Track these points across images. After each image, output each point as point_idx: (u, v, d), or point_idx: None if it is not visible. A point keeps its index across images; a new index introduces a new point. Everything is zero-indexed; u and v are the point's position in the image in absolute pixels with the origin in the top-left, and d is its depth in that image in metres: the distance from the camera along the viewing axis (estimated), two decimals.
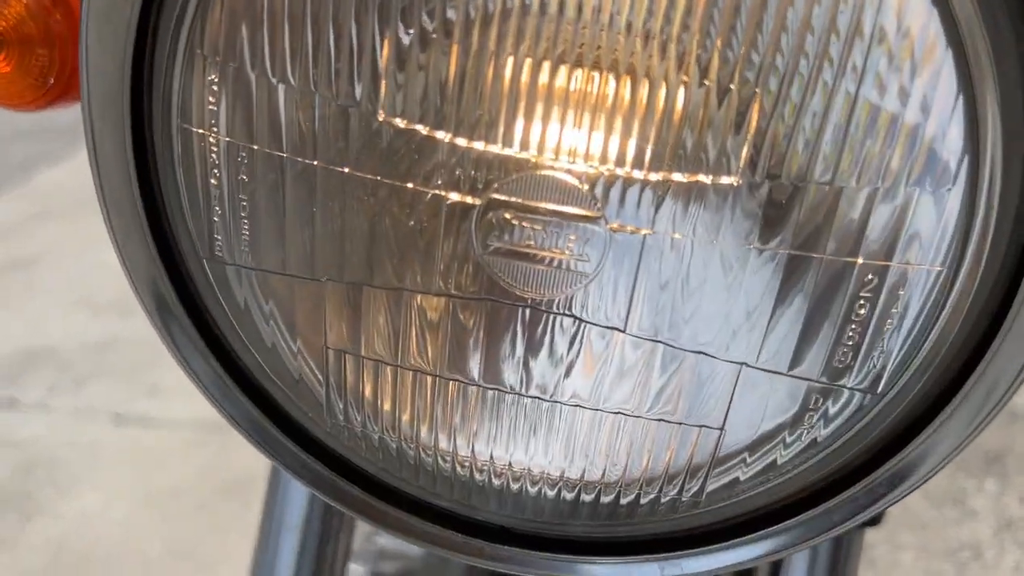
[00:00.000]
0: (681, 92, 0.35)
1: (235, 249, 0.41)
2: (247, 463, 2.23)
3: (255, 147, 0.39)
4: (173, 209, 0.42)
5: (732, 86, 0.35)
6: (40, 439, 2.54)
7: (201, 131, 0.39)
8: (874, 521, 0.64)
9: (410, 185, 0.38)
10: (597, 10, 0.34)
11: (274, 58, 0.37)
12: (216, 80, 0.38)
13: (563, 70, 0.36)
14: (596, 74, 0.35)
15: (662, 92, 0.35)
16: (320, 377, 0.44)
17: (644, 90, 0.35)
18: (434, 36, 0.35)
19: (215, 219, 0.41)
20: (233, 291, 0.43)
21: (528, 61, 0.36)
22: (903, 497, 0.43)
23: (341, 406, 0.44)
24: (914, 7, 0.33)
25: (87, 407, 2.66)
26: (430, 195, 0.38)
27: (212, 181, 0.40)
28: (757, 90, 0.35)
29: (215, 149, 0.39)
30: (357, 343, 0.42)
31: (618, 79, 0.35)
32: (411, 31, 0.35)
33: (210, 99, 0.39)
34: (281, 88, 0.37)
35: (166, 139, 0.41)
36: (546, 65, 0.36)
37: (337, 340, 0.42)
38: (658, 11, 0.34)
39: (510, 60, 0.36)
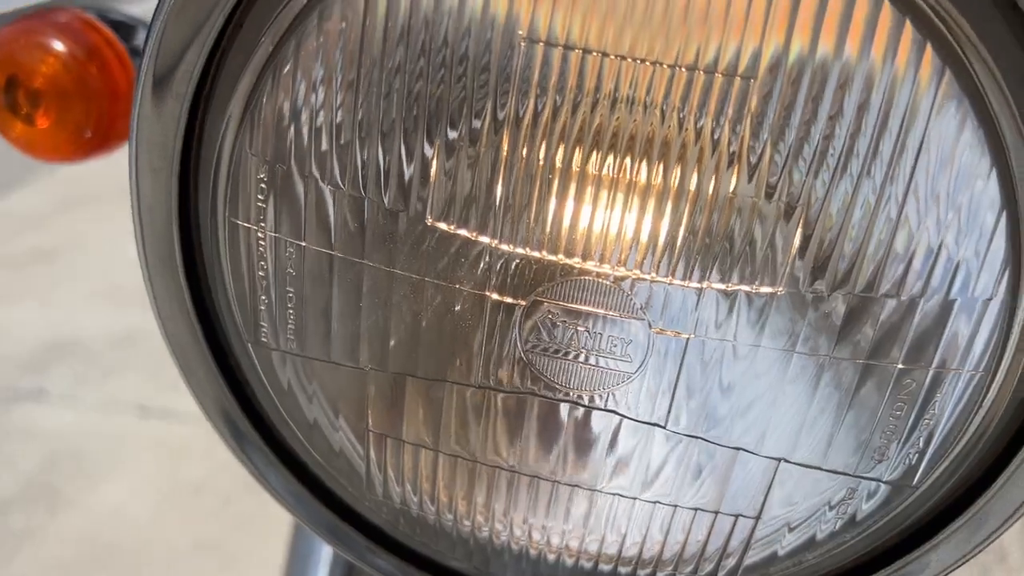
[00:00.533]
0: (728, 194, 0.35)
1: (281, 336, 0.42)
2: None
3: (303, 244, 0.39)
4: (219, 295, 0.43)
5: (780, 190, 0.35)
6: (67, 430, 2.57)
7: (248, 225, 0.40)
8: None
9: (456, 286, 0.38)
10: (644, 107, 0.35)
11: (323, 163, 0.38)
12: (265, 179, 0.39)
13: (607, 167, 0.36)
14: (641, 169, 0.36)
15: (710, 190, 0.36)
16: (361, 455, 0.44)
17: (692, 187, 0.36)
18: (477, 142, 0.36)
19: (261, 308, 0.42)
20: (276, 373, 0.44)
21: (574, 155, 0.36)
22: None
23: (381, 482, 0.45)
24: (954, 125, 0.34)
25: (112, 399, 2.69)
26: (475, 295, 0.38)
27: (259, 272, 0.41)
28: (801, 204, 0.35)
29: (263, 243, 0.40)
30: (398, 428, 0.43)
31: (665, 175, 0.36)
32: (456, 137, 0.36)
33: (259, 196, 0.39)
34: (329, 190, 0.38)
35: (212, 229, 0.41)
36: (591, 162, 0.36)
37: (379, 423, 0.43)
38: (708, 110, 0.34)
39: (556, 155, 0.36)
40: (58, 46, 0.56)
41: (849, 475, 0.40)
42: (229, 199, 0.40)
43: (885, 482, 0.40)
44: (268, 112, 0.38)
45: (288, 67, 0.37)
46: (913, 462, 0.40)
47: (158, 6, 0.39)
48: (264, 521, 2.12)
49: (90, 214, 3.74)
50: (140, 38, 0.62)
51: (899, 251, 0.35)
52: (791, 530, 0.42)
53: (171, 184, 0.41)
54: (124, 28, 0.62)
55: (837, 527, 0.42)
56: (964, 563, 0.42)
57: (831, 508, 0.41)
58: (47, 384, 2.77)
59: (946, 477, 0.41)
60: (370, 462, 0.45)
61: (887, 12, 0.33)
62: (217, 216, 0.41)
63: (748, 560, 0.44)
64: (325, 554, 0.72)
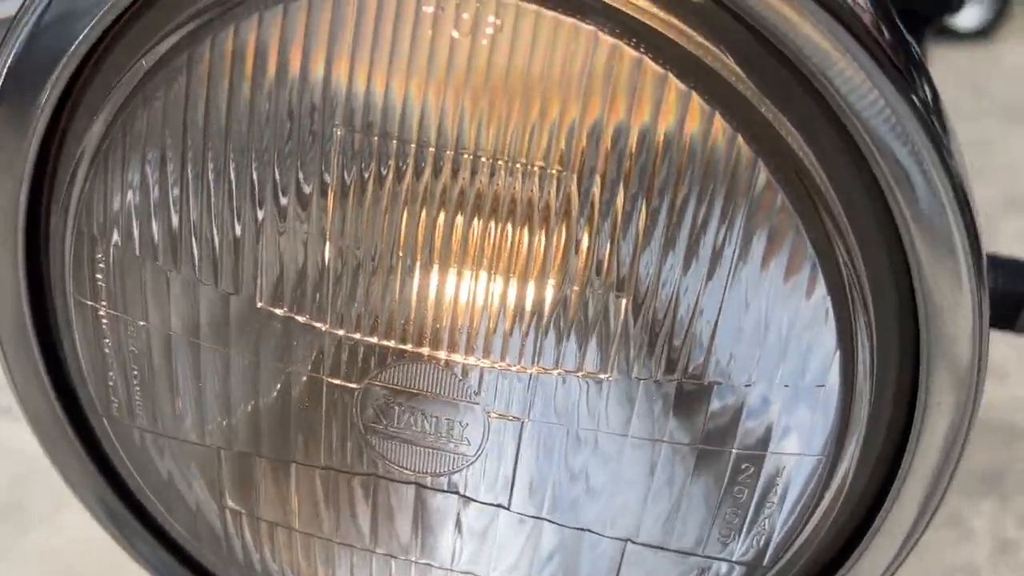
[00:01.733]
0: (565, 286, 0.35)
1: (131, 412, 0.42)
2: None
3: (142, 323, 0.39)
4: (72, 369, 0.43)
5: (611, 278, 0.35)
6: (35, 450, 2.56)
7: (91, 303, 0.40)
8: None
9: (292, 368, 0.38)
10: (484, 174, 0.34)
11: (155, 245, 0.37)
12: (101, 259, 0.39)
13: (437, 240, 0.36)
14: (475, 235, 0.36)
15: (546, 290, 0.35)
16: (220, 529, 0.44)
17: (528, 289, 0.35)
18: (306, 218, 0.36)
19: (110, 383, 0.41)
20: (135, 446, 0.43)
21: (402, 228, 0.36)
22: None
23: (242, 556, 0.45)
24: (783, 225, 0.34)
25: None
26: (312, 378, 0.38)
27: (105, 349, 0.41)
28: (629, 289, 0.35)
29: (104, 321, 0.40)
30: (252, 505, 0.42)
31: (495, 256, 0.36)
32: (278, 213, 0.36)
33: (97, 276, 0.39)
34: (163, 272, 0.38)
35: (63, 305, 0.41)
36: (419, 236, 0.36)
37: (235, 500, 0.43)
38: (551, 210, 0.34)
39: (383, 223, 0.36)
40: None
41: (697, 555, 0.40)
42: (73, 276, 0.40)
43: (735, 562, 0.40)
44: (101, 194, 0.37)
45: (118, 151, 0.37)
46: (761, 544, 0.40)
47: None
48: None
49: None
50: None
51: (731, 340, 0.35)
52: None
53: (17, 259, 0.41)
54: None
55: None
56: None
57: None
58: (12, 401, 2.76)
59: (798, 557, 0.41)
60: (229, 535, 0.44)
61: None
62: (65, 292, 0.41)
63: None
64: None
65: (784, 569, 0.41)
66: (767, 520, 0.39)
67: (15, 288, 0.41)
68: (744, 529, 0.39)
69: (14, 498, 2.38)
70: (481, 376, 0.37)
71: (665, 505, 0.39)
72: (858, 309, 0.35)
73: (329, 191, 0.35)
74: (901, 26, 0.35)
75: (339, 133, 0.34)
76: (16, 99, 0.37)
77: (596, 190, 0.34)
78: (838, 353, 0.35)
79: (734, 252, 0.34)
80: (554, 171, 0.34)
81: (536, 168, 0.34)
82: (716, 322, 0.35)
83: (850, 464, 0.38)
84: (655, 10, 0.32)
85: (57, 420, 0.44)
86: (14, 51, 0.36)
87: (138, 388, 0.41)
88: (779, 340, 0.35)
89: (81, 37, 0.36)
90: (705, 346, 0.35)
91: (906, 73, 0.33)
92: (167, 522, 0.46)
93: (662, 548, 0.40)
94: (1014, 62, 5.31)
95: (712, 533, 0.39)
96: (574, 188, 0.34)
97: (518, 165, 0.34)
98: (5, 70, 0.37)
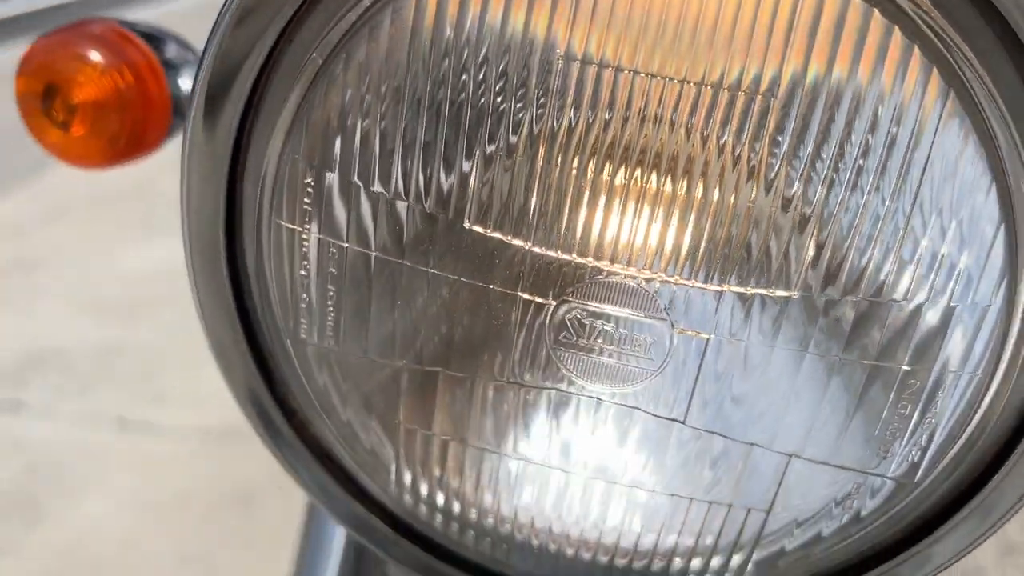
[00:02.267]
0: (748, 205, 0.38)
1: (319, 333, 0.44)
2: (250, 475, 2.26)
3: (345, 245, 0.42)
4: (259, 295, 0.45)
5: (795, 202, 0.38)
6: (45, 443, 2.56)
7: (293, 227, 0.42)
8: None
9: (489, 285, 0.41)
10: (671, 124, 0.38)
11: (367, 170, 0.40)
12: (312, 184, 0.41)
13: (635, 180, 0.39)
14: (667, 182, 0.39)
15: (731, 202, 0.38)
16: (391, 450, 0.47)
17: (714, 199, 0.38)
18: (514, 153, 0.39)
19: (302, 305, 0.44)
20: (313, 371, 0.46)
21: (604, 168, 0.39)
22: None
23: (409, 476, 0.47)
24: (957, 142, 0.37)
25: (92, 412, 2.68)
26: (507, 294, 0.41)
27: (301, 272, 0.43)
28: (814, 215, 0.38)
29: (306, 244, 0.42)
30: (429, 421, 0.45)
31: (689, 188, 0.39)
32: (494, 149, 0.39)
33: (304, 200, 0.42)
34: (372, 195, 0.41)
35: (256, 231, 0.44)
36: (619, 175, 0.39)
37: (410, 418, 0.45)
38: (731, 127, 0.37)
39: (587, 167, 0.39)
40: (95, 56, 0.59)
41: (856, 471, 0.43)
42: (275, 203, 0.42)
43: (889, 478, 0.43)
44: (317, 121, 0.40)
45: (338, 79, 0.39)
46: (916, 459, 0.43)
47: (215, 24, 0.41)
48: (249, 534, 2.12)
49: (72, 226, 3.73)
50: (171, 50, 0.64)
51: (905, 260, 0.38)
52: (799, 525, 0.45)
53: (220, 190, 0.43)
54: (155, 40, 0.64)
55: (843, 522, 0.45)
56: (966, 555, 0.45)
57: (837, 504, 0.44)
58: (25, 396, 2.76)
59: (946, 475, 0.44)
60: (399, 456, 0.47)
61: (897, 39, 0.36)
62: (262, 219, 0.43)
63: (757, 555, 0.46)
64: (337, 543, 0.74)
65: (929, 488, 0.44)
66: (924, 434, 0.42)
67: (215, 217, 0.44)
68: (903, 445, 0.42)
69: (25, 492, 2.38)
70: (672, 294, 0.40)
71: (833, 421, 0.42)
72: None
73: (540, 135, 0.38)
74: None
75: (555, 80, 0.37)
76: (240, 27, 0.40)
77: (792, 126, 0.37)
78: (1006, 276, 0.39)
79: (917, 182, 0.37)
80: (756, 95, 0.37)
81: (739, 93, 0.37)
82: (898, 247, 0.38)
83: (1000, 386, 0.41)
84: None
85: (238, 344, 0.47)
86: None
87: (331, 309, 0.44)
88: (950, 263, 0.38)
89: None
90: (885, 268, 0.39)
91: None
92: (334, 448, 0.49)
93: (826, 463, 0.43)
94: None
95: (873, 449, 0.42)
96: (772, 112, 0.37)
97: (735, 94, 0.37)
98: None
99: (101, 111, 0.60)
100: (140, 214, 3.68)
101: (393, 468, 0.47)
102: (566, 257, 0.40)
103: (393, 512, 0.50)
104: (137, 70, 0.61)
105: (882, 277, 0.39)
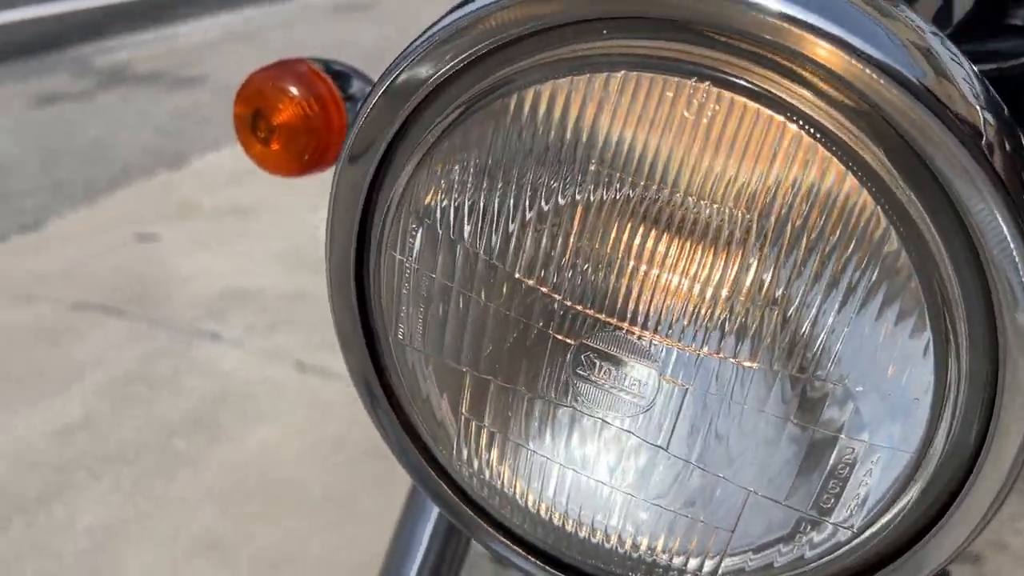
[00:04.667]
0: (735, 296, 0.50)
1: (412, 337, 0.59)
2: None
3: (434, 276, 0.56)
4: (374, 300, 0.61)
5: (773, 297, 0.49)
6: (233, 373, 2.88)
7: (400, 257, 0.57)
8: None
9: (530, 322, 0.54)
10: (699, 206, 0.49)
11: (452, 224, 0.54)
12: (414, 228, 0.56)
13: (657, 249, 0.51)
14: (681, 259, 0.51)
15: (721, 296, 0.50)
16: (455, 429, 0.61)
17: (707, 293, 0.50)
18: (559, 222, 0.52)
19: (401, 314, 0.59)
20: (407, 360, 0.61)
21: (634, 240, 0.51)
22: None
23: (466, 453, 0.61)
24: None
25: (276, 351, 2.98)
26: (542, 331, 0.54)
27: (403, 290, 0.58)
28: (782, 306, 0.49)
29: (407, 271, 0.57)
30: (482, 415, 0.59)
31: (695, 271, 0.50)
32: (538, 217, 0.52)
33: (409, 238, 0.56)
34: (455, 243, 0.55)
35: (377, 254, 0.59)
36: (646, 247, 0.51)
37: (469, 410, 0.59)
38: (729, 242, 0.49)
39: (618, 238, 0.51)
40: (292, 90, 0.76)
41: (803, 512, 0.53)
42: (389, 237, 0.57)
43: (832, 523, 0.53)
44: (422, 183, 0.55)
45: (440, 158, 0.54)
46: (854, 513, 0.53)
47: (362, 105, 0.56)
48: (389, 487, 2.32)
49: (281, 185, 4.09)
50: (354, 86, 0.81)
51: (858, 352, 0.49)
52: (755, 552, 0.56)
53: (355, 218, 0.59)
54: (342, 77, 0.80)
55: (794, 555, 0.55)
56: None
57: (789, 538, 0.55)
58: (222, 329, 3.10)
59: (883, 528, 0.54)
60: (460, 437, 0.61)
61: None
62: (381, 247, 0.58)
63: (725, 566, 0.57)
64: (432, 516, 0.90)
65: (872, 536, 0.54)
66: (861, 494, 0.52)
67: (347, 247, 0.59)
68: (843, 498, 0.52)
69: (210, 413, 2.71)
70: (663, 350, 0.52)
71: (786, 468, 0.52)
72: (952, 357, 0.47)
73: (579, 204, 0.51)
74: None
75: (593, 168, 0.50)
76: (375, 120, 0.55)
77: (768, 230, 0.48)
78: (932, 380, 0.48)
79: (864, 293, 0.47)
80: (739, 211, 0.48)
81: (727, 208, 0.48)
82: (841, 340, 0.49)
83: (934, 460, 0.51)
84: (834, 113, 0.46)
85: (357, 337, 0.63)
86: (392, 80, 0.54)
87: (420, 320, 0.58)
88: (888, 363, 0.48)
89: (425, 83, 0.54)
90: (831, 356, 0.49)
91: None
92: (417, 425, 0.64)
93: (777, 502, 0.53)
94: None
95: (818, 498, 0.53)
96: (753, 226, 0.48)
97: (714, 204, 0.48)
98: (386, 86, 0.54)
99: (293, 133, 0.77)
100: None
101: (455, 444, 0.62)
102: (588, 311, 0.53)
103: (455, 479, 0.65)
104: (323, 102, 0.78)
105: (830, 365, 0.49)
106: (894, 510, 0.52)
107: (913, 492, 0.52)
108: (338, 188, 0.58)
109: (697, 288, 0.50)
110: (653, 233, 0.51)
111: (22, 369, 2.99)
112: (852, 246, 0.47)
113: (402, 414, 0.65)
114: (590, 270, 0.52)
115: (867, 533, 0.53)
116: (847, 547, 0.54)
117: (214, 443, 2.58)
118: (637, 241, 0.51)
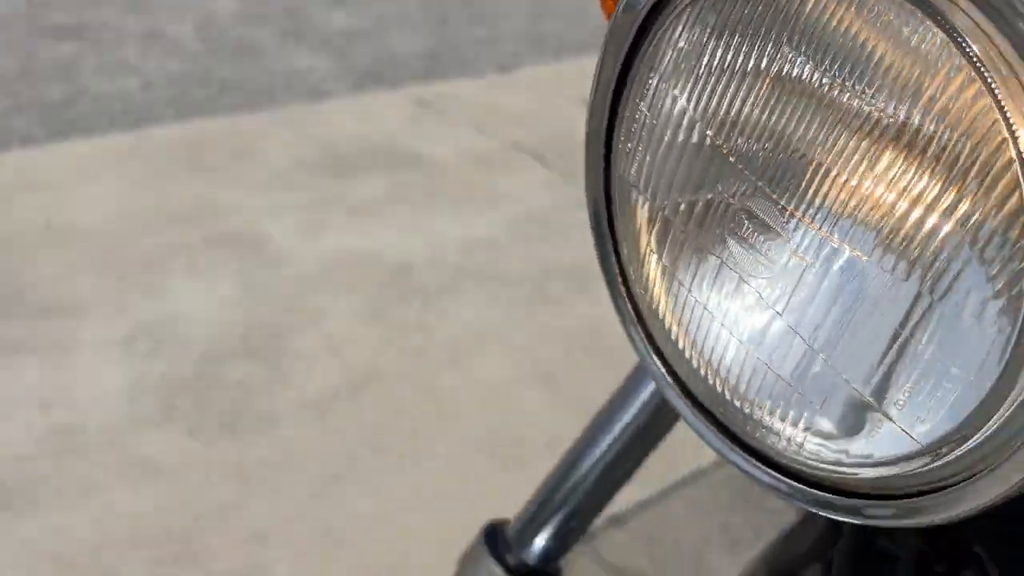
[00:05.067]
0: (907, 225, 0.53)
1: (627, 170, 0.71)
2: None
3: (654, 122, 0.67)
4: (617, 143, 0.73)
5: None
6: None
7: (641, 106, 0.69)
8: None
9: (719, 188, 0.63)
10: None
11: (676, 86, 0.65)
12: (651, 85, 0.67)
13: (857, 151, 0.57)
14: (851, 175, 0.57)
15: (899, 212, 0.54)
16: (642, 248, 0.72)
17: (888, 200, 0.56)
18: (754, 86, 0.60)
19: (626, 152, 0.71)
20: (631, 198, 0.73)
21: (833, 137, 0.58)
22: None
23: (643, 273, 0.72)
24: None
25: None
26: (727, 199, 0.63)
27: (631, 134, 0.70)
28: None
29: (638, 120, 0.68)
30: (661, 252, 0.69)
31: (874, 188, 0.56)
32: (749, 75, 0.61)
33: (646, 89, 0.68)
34: (681, 106, 0.65)
35: (627, 102, 0.71)
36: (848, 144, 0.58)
37: (653, 245, 0.71)
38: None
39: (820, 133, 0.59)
40: None
41: (880, 411, 0.59)
42: (635, 90, 0.69)
43: (902, 429, 0.58)
44: (667, 39, 0.65)
45: (694, 17, 0.63)
46: (930, 425, 0.56)
47: None
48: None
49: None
50: None
51: None
52: (831, 441, 0.61)
53: (617, 65, 0.71)
54: None
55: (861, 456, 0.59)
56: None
57: (855, 435, 0.59)
58: None
59: (949, 450, 0.57)
60: (644, 258, 0.72)
61: None
62: (630, 95, 0.70)
63: (808, 444, 0.63)
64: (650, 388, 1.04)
65: (939, 454, 0.58)
66: (939, 409, 0.55)
67: (609, 83, 0.72)
68: (919, 409, 0.57)
69: (581, 268, 2.98)
70: (804, 232, 0.59)
71: (877, 368, 0.57)
72: None
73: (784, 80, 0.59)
74: None
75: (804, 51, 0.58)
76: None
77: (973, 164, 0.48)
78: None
79: None
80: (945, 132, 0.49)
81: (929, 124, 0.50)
82: None
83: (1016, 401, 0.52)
84: None
85: (597, 172, 0.76)
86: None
87: (636, 161, 0.70)
88: None
89: None
90: None
91: None
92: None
93: (861, 394, 0.59)
94: None
95: (895, 400, 0.57)
96: (963, 155, 0.48)
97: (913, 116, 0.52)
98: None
99: None
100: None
101: (640, 260, 0.72)
102: (775, 196, 0.61)
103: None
104: None
105: None
106: (961, 436, 0.55)
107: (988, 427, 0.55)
108: (610, 35, 0.70)
109: (880, 194, 0.54)
110: (839, 127, 0.56)
111: (458, 190, 3.50)
112: None
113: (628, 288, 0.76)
114: (771, 146, 0.60)
115: (937, 452, 0.57)
116: (919, 464, 0.57)
117: (581, 292, 2.87)
118: (824, 132, 0.57)
